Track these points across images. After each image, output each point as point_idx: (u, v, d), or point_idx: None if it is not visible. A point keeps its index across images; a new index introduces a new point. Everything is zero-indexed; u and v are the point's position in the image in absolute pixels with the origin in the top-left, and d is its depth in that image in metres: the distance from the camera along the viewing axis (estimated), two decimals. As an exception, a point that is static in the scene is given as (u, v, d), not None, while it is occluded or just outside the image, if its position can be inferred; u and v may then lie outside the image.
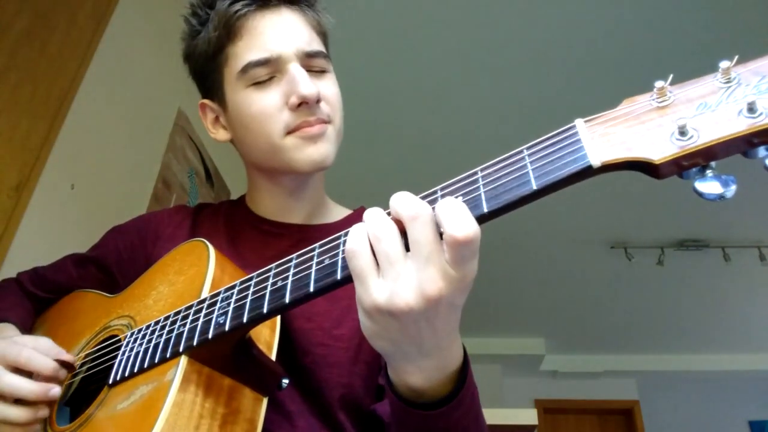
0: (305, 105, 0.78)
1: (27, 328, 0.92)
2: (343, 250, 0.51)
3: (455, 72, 2.70)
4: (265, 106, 0.79)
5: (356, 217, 0.95)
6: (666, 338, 5.10)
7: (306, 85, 0.77)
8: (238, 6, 0.80)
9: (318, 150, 0.80)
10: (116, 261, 0.94)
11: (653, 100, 0.43)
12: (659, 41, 2.46)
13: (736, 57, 0.41)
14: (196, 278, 0.71)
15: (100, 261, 0.96)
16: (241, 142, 0.87)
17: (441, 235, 0.45)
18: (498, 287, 4.10)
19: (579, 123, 0.45)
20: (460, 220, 0.43)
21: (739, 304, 4.56)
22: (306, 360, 0.76)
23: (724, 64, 0.41)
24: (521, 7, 2.38)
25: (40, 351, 0.73)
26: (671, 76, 0.44)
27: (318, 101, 0.79)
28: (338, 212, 0.96)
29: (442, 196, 0.49)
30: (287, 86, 0.78)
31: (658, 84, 0.43)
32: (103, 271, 0.96)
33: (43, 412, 0.72)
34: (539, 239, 3.79)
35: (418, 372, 0.51)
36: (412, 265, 0.45)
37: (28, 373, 0.72)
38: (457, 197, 0.47)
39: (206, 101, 0.89)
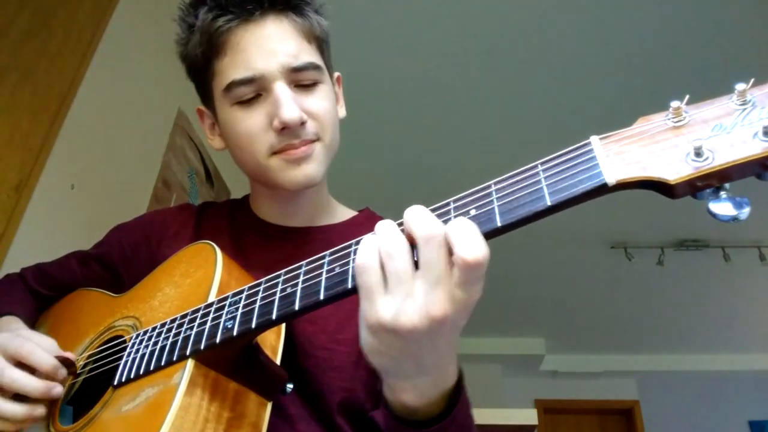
0: (288, 129, 0.76)
1: (30, 325, 0.91)
2: (354, 260, 0.51)
3: (466, 77, 2.70)
4: (250, 126, 0.77)
5: (361, 219, 0.94)
6: (666, 338, 5.10)
7: (288, 109, 0.74)
8: (220, 21, 0.76)
9: (303, 171, 0.78)
10: (121, 259, 0.94)
11: (668, 119, 0.43)
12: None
13: (753, 80, 0.41)
14: (203, 281, 0.70)
15: (103, 259, 0.96)
16: (233, 155, 0.86)
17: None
18: (498, 287, 4.10)
19: (594, 140, 0.45)
20: (470, 243, 0.43)
21: (739, 304, 4.57)
22: (308, 363, 0.75)
23: (740, 86, 0.41)
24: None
25: (42, 347, 0.73)
26: (687, 96, 0.44)
27: (303, 123, 0.77)
28: (342, 213, 0.95)
29: (455, 208, 0.49)
30: (271, 108, 0.76)
31: (674, 104, 0.43)
32: (107, 269, 0.95)
33: (40, 410, 0.70)
34: (539, 239, 3.79)
35: (413, 390, 0.51)
36: (421, 286, 0.45)
37: (30, 370, 0.71)
38: (470, 210, 0.47)
39: (202, 108, 0.89)
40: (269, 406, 0.66)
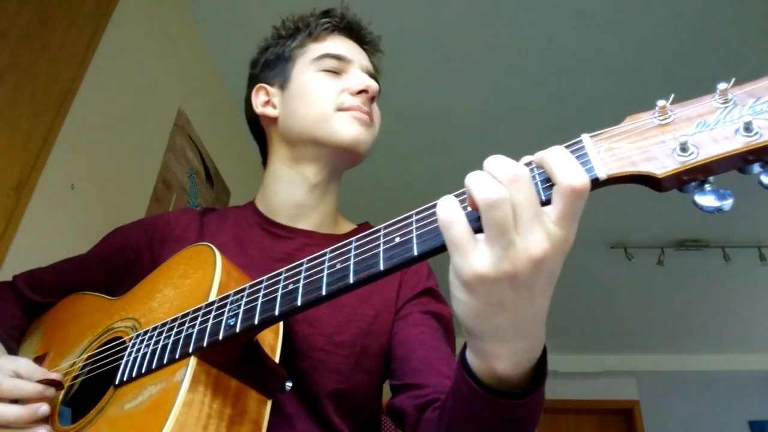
0: (364, 93, 0.90)
1: (15, 339, 0.92)
2: (355, 255, 0.52)
3: (460, 82, 2.69)
4: (328, 86, 0.90)
5: (362, 231, 0.96)
6: (666, 338, 5.10)
7: (370, 80, 0.91)
8: (327, 19, 0.96)
9: (361, 132, 0.89)
10: (122, 261, 0.94)
11: (655, 117, 0.46)
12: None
13: (733, 79, 0.44)
14: (203, 282, 0.71)
15: (102, 262, 0.96)
16: (290, 115, 0.92)
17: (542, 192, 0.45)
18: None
19: (585, 138, 0.47)
20: (574, 168, 0.43)
21: (739, 304, 4.57)
22: (305, 365, 0.77)
23: (721, 85, 0.44)
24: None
25: (21, 375, 0.73)
26: (672, 95, 0.46)
27: (373, 98, 0.92)
28: (345, 226, 0.99)
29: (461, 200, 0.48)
30: (352, 79, 0.91)
31: (660, 103, 0.46)
32: (106, 272, 0.95)
33: (41, 430, 0.71)
34: (539, 239, 3.78)
35: (510, 356, 0.48)
36: (518, 230, 0.43)
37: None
38: (466, 206, 0.46)
39: (265, 85, 0.97)
40: (269, 403, 0.67)
